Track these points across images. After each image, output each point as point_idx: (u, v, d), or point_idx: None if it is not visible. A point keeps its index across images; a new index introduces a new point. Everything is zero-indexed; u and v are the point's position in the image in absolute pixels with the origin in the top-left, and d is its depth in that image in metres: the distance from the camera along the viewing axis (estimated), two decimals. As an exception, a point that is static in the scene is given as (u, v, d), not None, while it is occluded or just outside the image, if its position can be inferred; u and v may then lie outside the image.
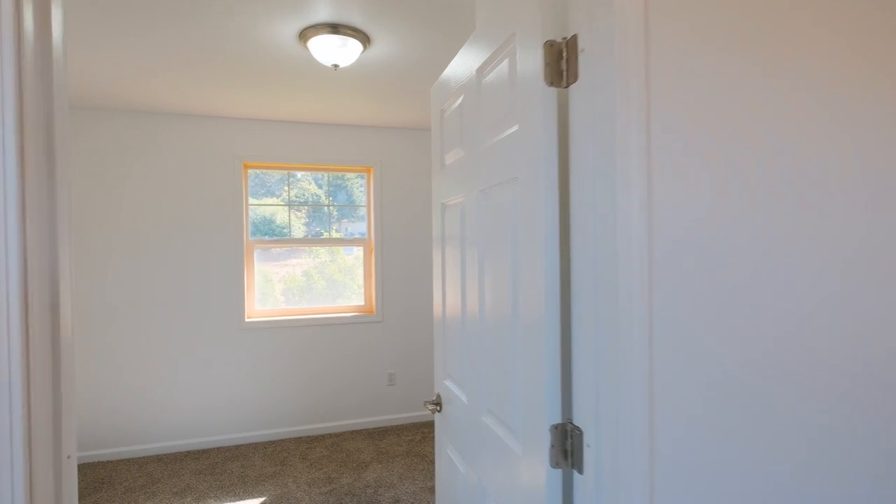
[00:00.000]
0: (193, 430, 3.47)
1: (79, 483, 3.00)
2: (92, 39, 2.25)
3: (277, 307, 3.73)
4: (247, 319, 3.57)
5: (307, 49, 2.35)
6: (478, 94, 1.25)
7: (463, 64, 1.35)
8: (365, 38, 2.26)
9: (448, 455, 1.56)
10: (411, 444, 3.54)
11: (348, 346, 3.81)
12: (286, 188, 3.73)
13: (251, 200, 3.67)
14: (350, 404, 3.83)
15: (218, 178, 3.49)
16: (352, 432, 3.77)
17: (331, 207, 3.86)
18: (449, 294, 1.53)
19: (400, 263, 3.94)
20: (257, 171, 3.68)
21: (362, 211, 3.94)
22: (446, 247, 1.57)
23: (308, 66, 2.58)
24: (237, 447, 3.50)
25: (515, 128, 1.03)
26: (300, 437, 3.66)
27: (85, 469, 3.18)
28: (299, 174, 3.77)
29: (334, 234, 3.90)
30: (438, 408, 1.64)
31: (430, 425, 3.89)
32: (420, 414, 3.98)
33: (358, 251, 3.92)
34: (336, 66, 2.38)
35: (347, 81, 2.81)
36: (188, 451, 3.42)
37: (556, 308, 0.92)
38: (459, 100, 1.40)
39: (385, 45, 2.36)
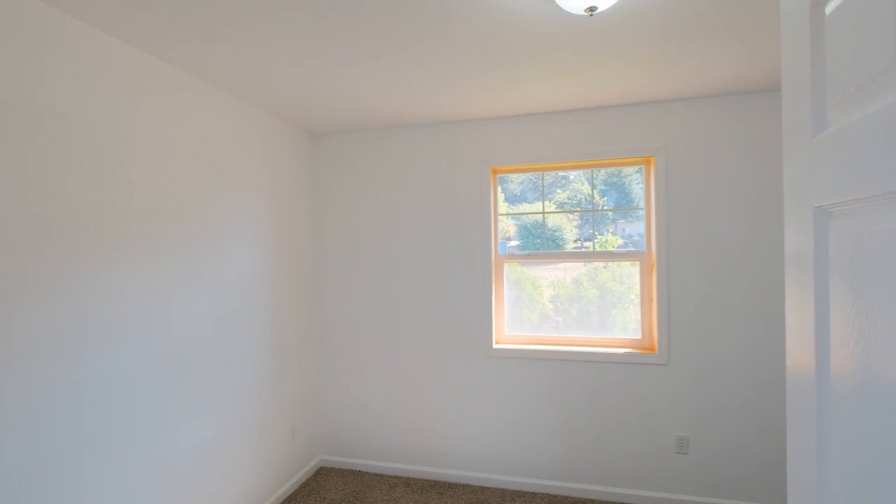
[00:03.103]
0: (438, 459, 3.20)
1: (336, 490, 3.07)
2: (334, 65, 2.14)
3: (528, 333, 3.14)
4: (494, 346, 3.11)
5: (551, -7, 1.68)
6: None
7: None
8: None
9: None
10: (711, 557, 2.38)
11: (619, 391, 2.91)
12: (559, 190, 3.15)
13: (514, 207, 3.22)
14: (620, 468, 2.91)
15: (464, 188, 3.16)
16: (621, 508, 2.84)
17: (602, 209, 3.07)
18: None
19: (695, 287, 2.81)
20: (527, 175, 3.20)
21: (642, 212, 3.00)
22: (832, 275, 0.62)
23: (554, 28, 1.89)
24: (482, 489, 3.05)
25: None
26: (553, 496, 2.96)
27: (347, 476, 3.26)
28: (571, 175, 3.12)
29: (609, 237, 3.08)
30: None
31: (741, 530, 2.60)
32: (727, 503, 2.73)
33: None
34: (592, 9, 1.65)
35: (608, 38, 1.99)
36: (434, 482, 3.16)
37: None
38: None
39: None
